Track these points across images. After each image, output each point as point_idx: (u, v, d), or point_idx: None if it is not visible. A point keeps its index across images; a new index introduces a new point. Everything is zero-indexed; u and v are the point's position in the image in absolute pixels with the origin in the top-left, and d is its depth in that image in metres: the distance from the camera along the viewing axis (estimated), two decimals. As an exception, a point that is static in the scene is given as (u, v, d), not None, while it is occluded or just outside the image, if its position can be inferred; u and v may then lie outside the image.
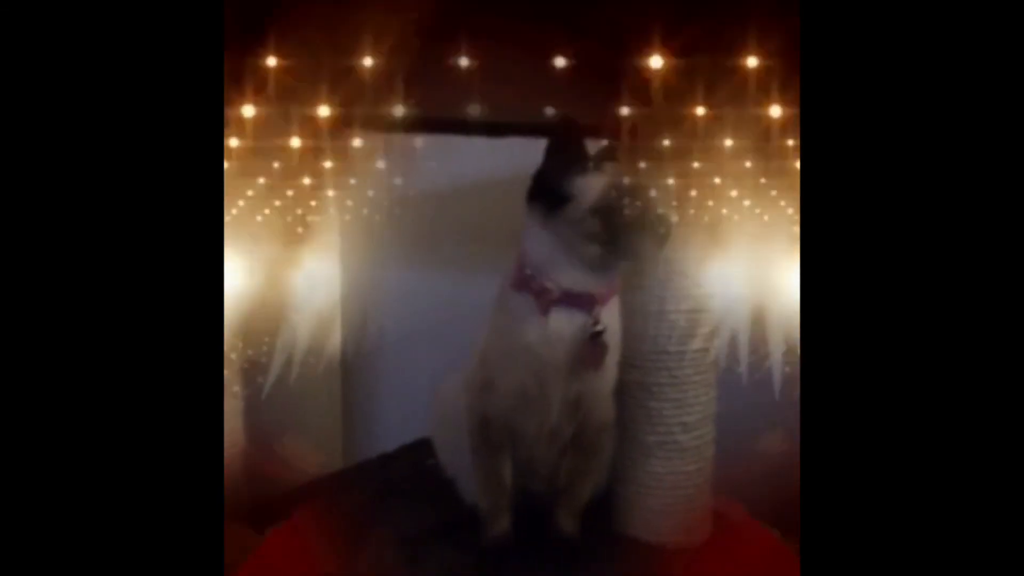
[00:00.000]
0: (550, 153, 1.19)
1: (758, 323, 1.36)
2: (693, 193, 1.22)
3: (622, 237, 1.17)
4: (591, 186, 1.18)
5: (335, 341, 1.54)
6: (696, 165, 1.19)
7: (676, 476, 1.35)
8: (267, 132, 0.92)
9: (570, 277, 1.19)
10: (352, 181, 1.18)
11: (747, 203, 1.27)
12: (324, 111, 0.86)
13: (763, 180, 1.21)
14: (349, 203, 1.31)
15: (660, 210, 1.18)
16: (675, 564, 1.33)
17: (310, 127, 0.91)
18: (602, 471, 1.38)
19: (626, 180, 1.19)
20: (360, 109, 0.90)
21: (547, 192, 1.20)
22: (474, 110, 0.83)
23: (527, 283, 1.22)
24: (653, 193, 1.18)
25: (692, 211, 1.25)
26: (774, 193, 1.23)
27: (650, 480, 1.36)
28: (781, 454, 1.31)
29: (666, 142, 1.10)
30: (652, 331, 1.32)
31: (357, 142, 1.00)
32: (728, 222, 1.30)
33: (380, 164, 1.12)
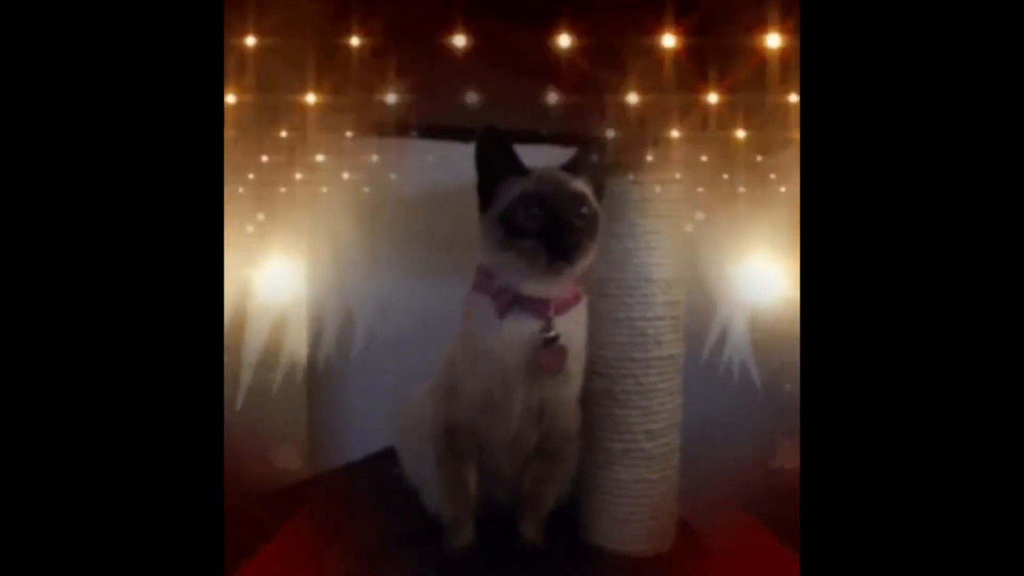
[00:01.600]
0: (478, 162, 1.20)
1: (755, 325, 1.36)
2: (677, 198, 1.22)
3: (530, 243, 1.15)
4: (506, 192, 1.19)
5: (302, 348, 1.52)
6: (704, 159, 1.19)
7: (641, 484, 1.35)
8: (256, 121, 0.91)
9: (526, 282, 1.19)
10: (345, 175, 1.16)
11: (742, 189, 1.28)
12: (312, 98, 0.85)
13: (772, 175, 1.22)
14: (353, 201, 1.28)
15: (585, 209, 1.17)
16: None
17: (298, 116, 0.90)
18: (567, 479, 1.37)
19: (551, 185, 1.18)
20: (351, 96, 0.89)
21: (482, 198, 1.22)
22: (471, 98, 0.83)
23: (485, 286, 1.22)
24: (585, 199, 1.18)
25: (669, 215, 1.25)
26: (783, 190, 1.24)
27: (615, 488, 1.36)
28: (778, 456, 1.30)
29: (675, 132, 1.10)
30: (618, 338, 1.33)
31: (348, 134, 0.99)
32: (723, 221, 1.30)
33: (374, 158, 1.11)
